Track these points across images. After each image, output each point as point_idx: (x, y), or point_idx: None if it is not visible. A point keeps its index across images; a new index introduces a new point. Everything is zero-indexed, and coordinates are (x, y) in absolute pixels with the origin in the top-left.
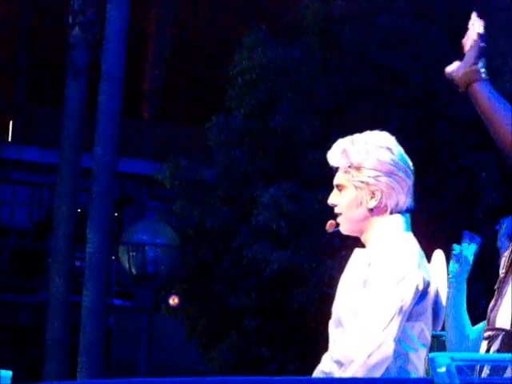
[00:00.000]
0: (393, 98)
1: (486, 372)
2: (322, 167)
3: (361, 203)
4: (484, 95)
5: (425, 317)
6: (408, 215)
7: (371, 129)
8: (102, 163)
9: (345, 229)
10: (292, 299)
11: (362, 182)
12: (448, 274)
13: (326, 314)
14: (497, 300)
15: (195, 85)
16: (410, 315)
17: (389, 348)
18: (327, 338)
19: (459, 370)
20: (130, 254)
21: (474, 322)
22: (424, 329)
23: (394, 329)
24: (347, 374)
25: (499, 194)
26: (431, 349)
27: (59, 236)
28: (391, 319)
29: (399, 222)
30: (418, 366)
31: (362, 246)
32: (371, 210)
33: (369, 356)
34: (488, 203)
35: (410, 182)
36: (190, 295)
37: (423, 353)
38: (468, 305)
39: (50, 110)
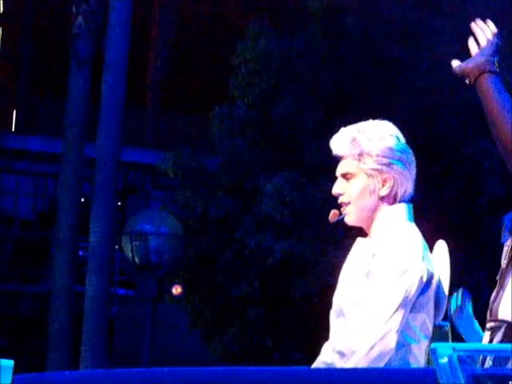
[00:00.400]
0: (396, 87)
1: (488, 363)
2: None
3: (373, 191)
4: (491, 88)
5: (427, 308)
6: (411, 205)
7: (374, 118)
8: (105, 153)
9: (352, 218)
10: (295, 288)
11: (375, 170)
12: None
13: (329, 304)
14: (498, 291)
15: (198, 74)
16: (413, 307)
17: (391, 340)
18: (330, 328)
19: (461, 360)
20: (134, 243)
21: (478, 314)
22: (426, 320)
23: (397, 320)
24: (349, 364)
25: (502, 184)
26: (434, 339)
27: (62, 226)
28: (394, 311)
29: (404, 211)
30: (419, 357)
31: (365, 235)
32: (382, 198)
33: (371, 347)
34: (491, 192)
35: (414, 170)
36: (193, 285)
37: (425, 344)
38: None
39: (53, 100)
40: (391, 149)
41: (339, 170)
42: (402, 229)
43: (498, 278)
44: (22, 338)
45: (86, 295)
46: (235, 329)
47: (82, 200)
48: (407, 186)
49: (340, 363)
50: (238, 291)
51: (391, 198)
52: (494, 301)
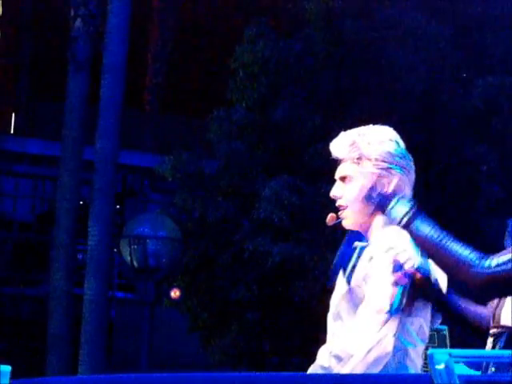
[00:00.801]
0: (394, 92)
1: (491, 369)
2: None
3: (371, 196)
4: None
5: (424, 312)
6: None
7: (373, 122)
8: (103, 156)
9: (350, 222)
10: (293, 292)
11: (373, 174)
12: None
13: (328, 307)
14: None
15: (197, 77)
16: (410, 311)
17: (388, 343)
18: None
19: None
20: (132, 246)
21: None
22: (423, 324)
23: (394, 324)
24: (346, 369)
25: (500, 187)
26: (433, 343)
27: (61, 229)
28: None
29: None
30: (416, 361)
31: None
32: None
33: (368, 351)
34: (489, 196)
35: (413, 176)
36: (191, 288)
37: (421, 348)
38: None
39: (52, 103)
40: (390, 153)
41: (338, 173)
42: (399, 233)
43: None
44: (21, 341)
45: (84, 298)
46: (233, 332)
47: (81, 203)
48: (405, 191)
49: (337, 367)
50: (237, 295)
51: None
52: (496, 307)
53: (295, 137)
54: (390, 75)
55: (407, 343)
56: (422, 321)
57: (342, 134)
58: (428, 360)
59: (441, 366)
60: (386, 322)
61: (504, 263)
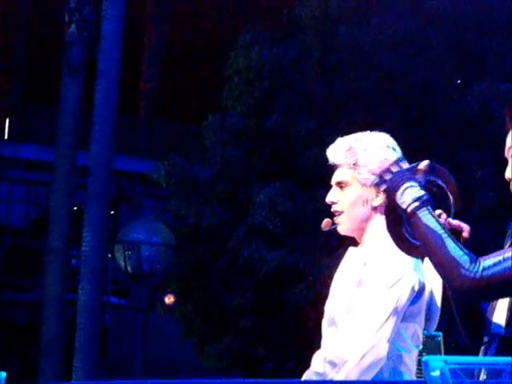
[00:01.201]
0: (389, 98)
1: (482, 376)
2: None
3: (366, 201)
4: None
5: (419, 318)
6: None
7: (368, 128)
8: (98, 161)
9: (345, 227)
10: (288, 298)
11: (369, 180)
12: None
13: (322, 314)
14: (493, 304)
15: (191, 83)
16: (405, 316)
17: (383, 349)
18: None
19: (453, 373)
20: (126, 252)
21: None
22: (417, 330)
23: (388, 330)
24: (341, 374)
25: (495, 194)
26: (427, 349)
27: (55, 234)
28: (386, 320)
29: None
30: (410, 366)
31: (358, 245)
32: (375, 208)
33: (363, 357)
34: (483, 202)
35: None
36: (185, 294)
37: (415, 353)
38: None
39: (46, 108)
40: (387, 160)
41: (334, 179)
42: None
43: None
44: (14, 346)
45: (78, 304)
46: (228, 338)
47: (75, 208)
48: None
49: (332, 373)
50: (231, 301)
51: (384, 209)
52: (489, 314)
53: (290, 143)
54: (384, 81)
55: (401, 348)
56: (417, 326)
57: (339, 139)
58: (423, 367)
59: (436, 373)
60: (381, 327)
61: (490, 267)
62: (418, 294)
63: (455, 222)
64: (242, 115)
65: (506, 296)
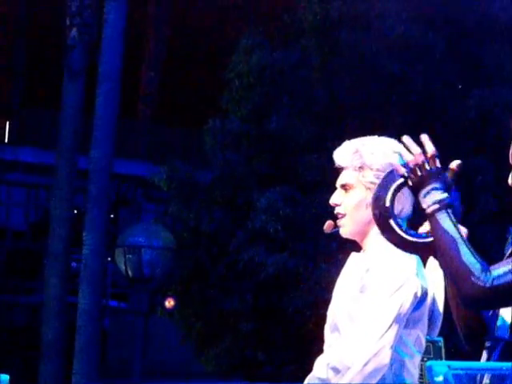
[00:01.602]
0: (389, 102)
1: (485, 382)
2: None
3: (369, 204)
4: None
5: (421, 324)
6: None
7: (368, 133)
8: (98, 165)
9: (347, 230)
10: (287, 303)
11: (374, 184)
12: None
13: (322, 318)
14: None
15: (192, 87)
16: (407, 322)
17: (386, 355)
18: (323, 342)
19: (457, 378)
20: (126, 256)
21: None
22: (420, 335)
23: (391, 336)
24: (344, 381)
25: (494, 199)
26: (428, 354)
27: (55, 237)
28: (389, 327)
29: None
30: (413, 372)
31: (359, 250)
32: None
33: (366, 363)
34: (483, 207)
35: None
36: (185, 298)
37: (418, 359)
38: None
39: (46, 111)
40: (393, 165)
41: (339, 181)
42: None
43: None
44: (14, 349)
45: (78, 307)
46: (227, 342)
47: (75, 212)
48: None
49: (335, 379)
50: (231, 305)
51: (373, 216)
52: (490, 318)
53: (290, 147)
54: (385, 85)
55: (404, 354)
56: (419, 332)
57: (347, 142)
58: (426, 372)
59: (439, 378)
60: (384, 334)
61: (500, 276)
62: (420, 300)
63: None
64: (243, 120)
65: None
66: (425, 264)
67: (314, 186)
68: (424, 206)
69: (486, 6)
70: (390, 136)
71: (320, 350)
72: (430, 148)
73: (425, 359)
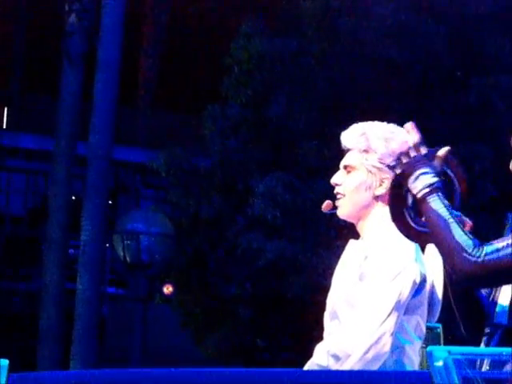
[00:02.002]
0: (389, 90)
1: (485, 367)
2: (318, 157)
3: (369, 187)
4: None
5: (421, 310)
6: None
7: (367, 120)
8: (96, 152)
9: (344, 212)
10: (286, 289)
11: (376, 168)
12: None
13: (321, 305)
14: (494, 294)
15: (191, 73)
16: (407, 309)
17: (386, 342)
18: (321, 328)
19: (457, 363)
20: (125, 242)
21: None
22: (420, 322)
23: (391, 323)
24: (344, 368)
25: (494, 186)
26: (426, 340)
27: (54, 223)
28: (389, 314)
29: None
30: (413, 358)
31: (358, 236)
32: (377, 197)
33: (366, 350)
34: (482, 194)
35: None
36: (184, 284)
37: (418, 345)
38: None
39: (45, 98)
40: (396, 152)
41: (343, 162)
42: (395, 230)
43: None
44: (12, 335)
45: (76, 294)
46: (226, 328)
47: (74, 198)
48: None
49: (335, 366)
50: (229, 291)
51: (385, 199)
52: (490, 304)
53: (290, 134)
54: (385, 72)
55: (404, 341)
56: (419, 318)
57: (355, 124)
58: (427, 357)
59: (440, 363)
60: (384, 321)
61: (492, 252)
62: (419, 286)
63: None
64: (242, 106)
65: (506, 283)
66: (423, 250)
67: (313, 173)
68: (415, 191)
69: None
70: (390, 122)
71: (319, 337)
72: (414, 136)
73: (423, 345)
